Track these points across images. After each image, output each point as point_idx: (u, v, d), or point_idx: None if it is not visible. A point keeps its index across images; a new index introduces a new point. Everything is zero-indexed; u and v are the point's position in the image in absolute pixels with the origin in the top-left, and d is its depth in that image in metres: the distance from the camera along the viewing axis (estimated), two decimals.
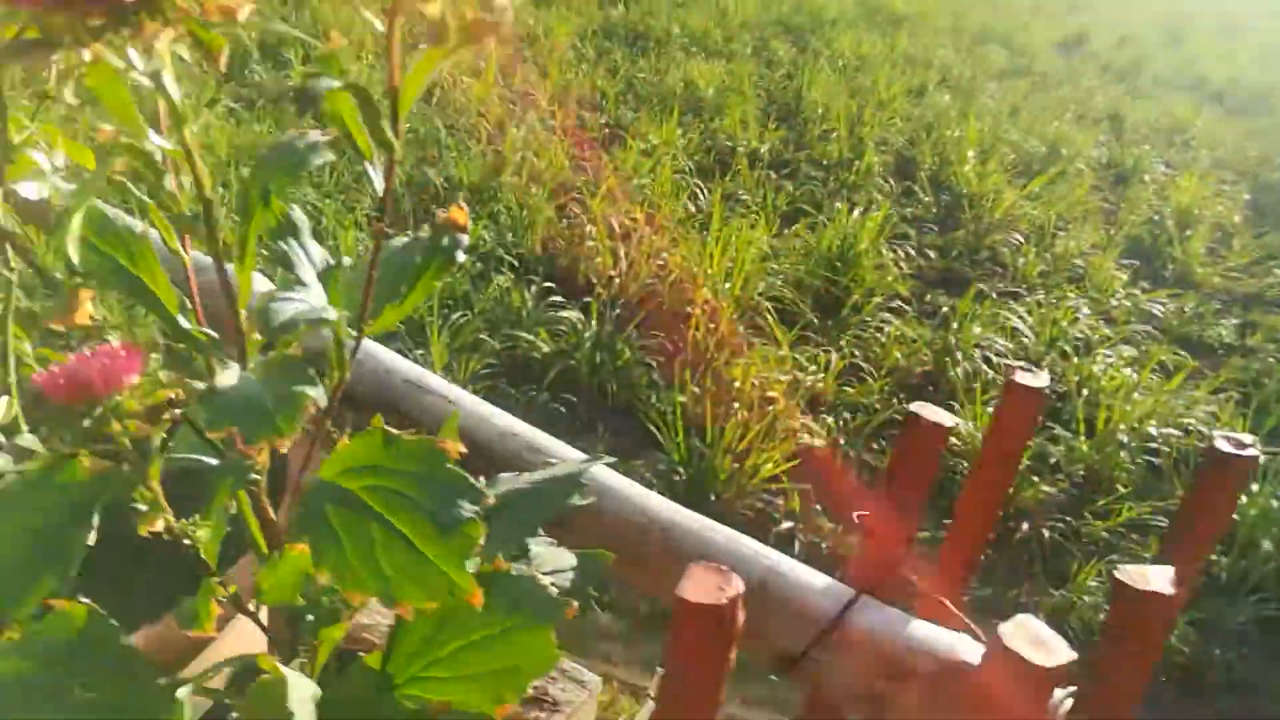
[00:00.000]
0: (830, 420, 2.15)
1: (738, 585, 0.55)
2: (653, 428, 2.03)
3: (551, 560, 0.55)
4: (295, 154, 0.44)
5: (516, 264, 2.58)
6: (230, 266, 0.45)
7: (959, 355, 2.43)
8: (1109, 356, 2.54)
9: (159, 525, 0.46)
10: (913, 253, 3.00)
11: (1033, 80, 5.22)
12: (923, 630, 0.73)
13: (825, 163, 3.62)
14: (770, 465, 1.91)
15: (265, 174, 0.44)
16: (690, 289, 2.49)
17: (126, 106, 0.40)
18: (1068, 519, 2.01)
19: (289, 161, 0.44)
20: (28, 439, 0.73)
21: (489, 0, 0.40)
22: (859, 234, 2.81)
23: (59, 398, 0.42)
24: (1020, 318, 2.65)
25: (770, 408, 2.06)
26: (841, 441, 2.09)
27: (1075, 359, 2.51)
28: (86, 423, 0.43)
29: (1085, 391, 2.37)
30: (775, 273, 2.67)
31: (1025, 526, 1.98)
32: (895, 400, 2.28)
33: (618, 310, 2.40)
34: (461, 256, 0.49)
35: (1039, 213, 3.35)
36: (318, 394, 0.40)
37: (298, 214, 0.47)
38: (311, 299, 0.45)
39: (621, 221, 2.81)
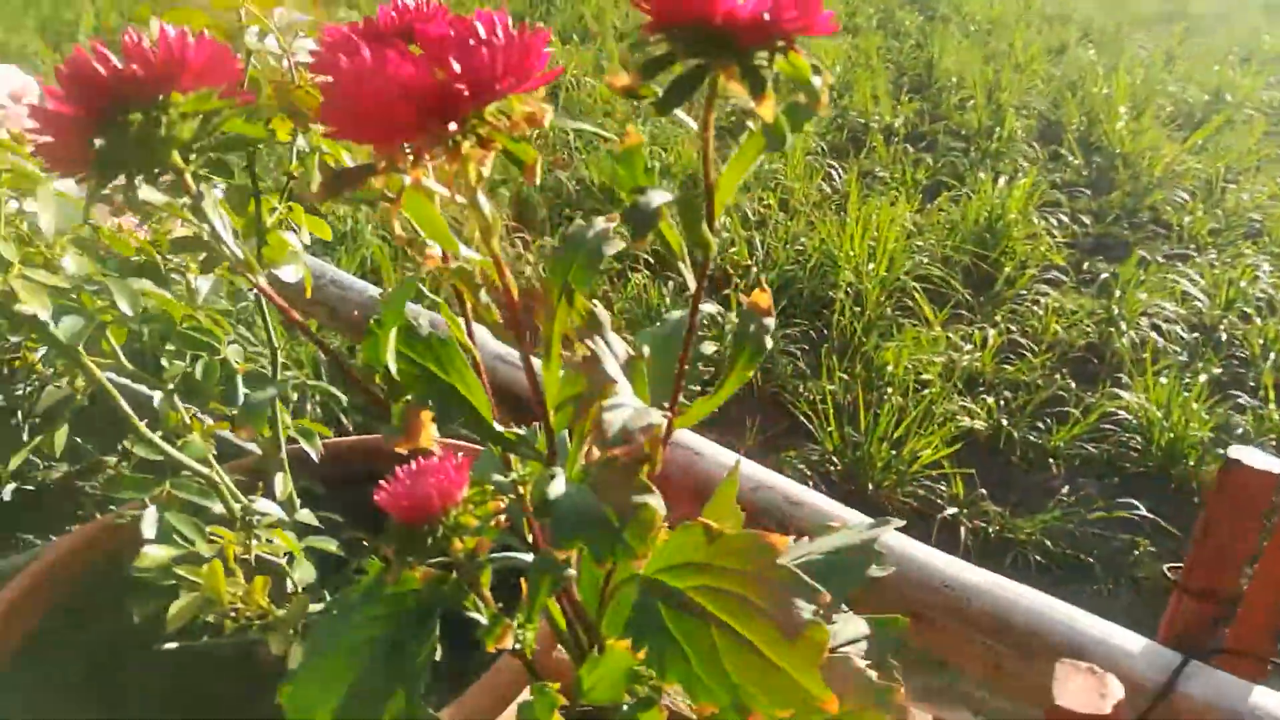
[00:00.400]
0: (990, 400, 2.04)
1: (1117, 690, 0.51)
2: (802, 418, 1.98)
3: (845, 630, 0.51)
4: (590, 246, 0.44)
5: (652, 261, 2.56)
6: (537, 364, 0.45)
7: (1124, 325, 2.28)
8: None
9: (509, 641, 0.47)
10: (1066, 220, 2.84)
11: (1187, 24, 4.88)
12: (1265, 698, 0.67)
13: (964, 132, 3.47)
14: (929, 451, 1.83)
15: (563, 269, 0.44)
16: (832, 273, 2.42)
17: (438, 224, 0.42)
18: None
19: (585, 255, 0.44)
20: (304, 514, 0.78)
21: (810, 87, 0.39)
22: (1006, 204, 2.68)
23: (403, 518, 0.43)
24: (1191, 280, 2.47)
25: (925, 390, 1.98)
26: (1004, 422, 1.99)
27: (1258, 320, 2.32)
28: (429, 541, 0.43)
29: (1274, 355, 2.18)
30: (921, 250, 2.56)
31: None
32: (1058, 375, 2.15)
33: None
34: (769, 343, 0.48)
35: (1204, 166, 3.12)
36: (658, 503, 0.39)
37: (599, 310, 0.46)
38: (629, 399, 0.43)
39: (755, 209, 2.76)
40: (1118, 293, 2.38)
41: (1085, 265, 2.65)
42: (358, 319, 1.17)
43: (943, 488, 1.84)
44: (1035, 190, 2.86)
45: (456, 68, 0.35)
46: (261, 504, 0.74)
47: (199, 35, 0.41)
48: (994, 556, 1.72)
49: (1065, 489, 1.86)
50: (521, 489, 0.46)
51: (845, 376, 2.07)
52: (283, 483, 0.78)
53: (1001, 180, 2.88)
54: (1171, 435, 1.92)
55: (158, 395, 0.71)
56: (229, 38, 0.67)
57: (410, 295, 0.44)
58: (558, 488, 0.41)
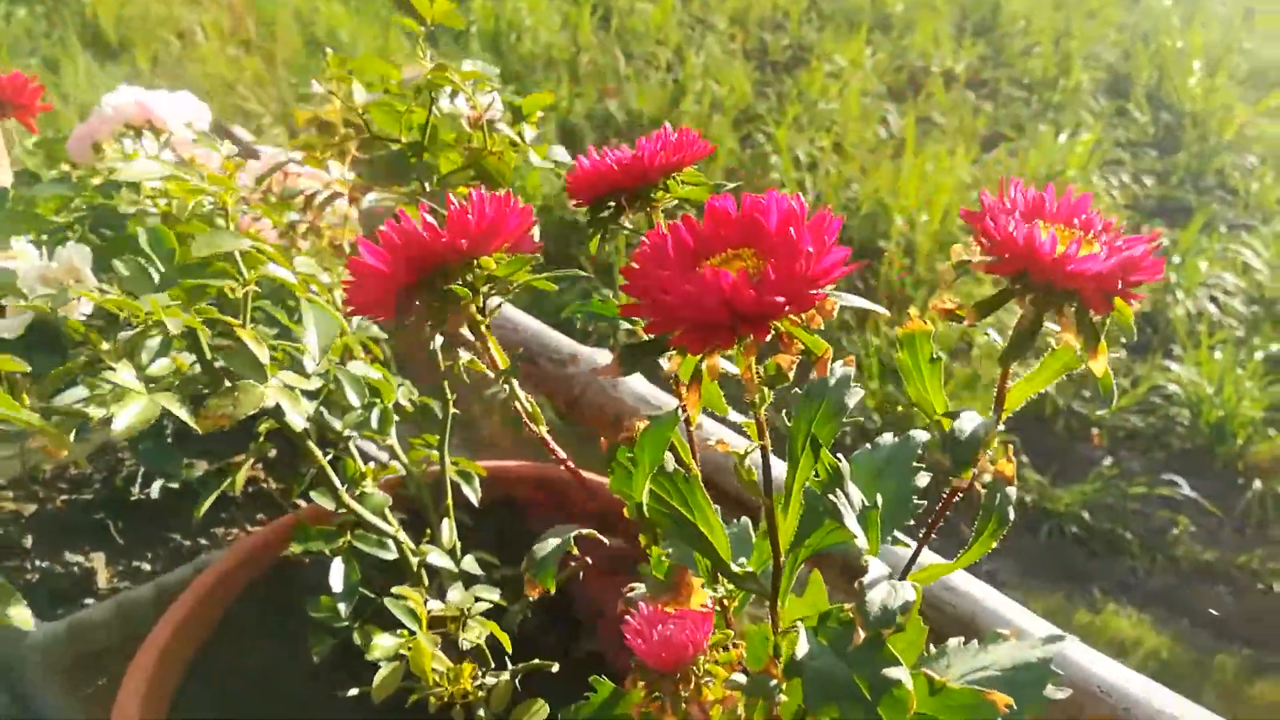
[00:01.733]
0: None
1: None
2: None
3: None
4: (833, 398, 0.46)
5: None
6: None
7: (1181, 294, 2.22)
8: None
9: None
10: (1128, 180, 2.75)
11: None
12: None
13: (1027, 81, 3.35)
14: (980, 407, 1.80)
15: (807, 418, 0.46)
16: (883, 222, 2.37)
17: (717, 397, 0.48)
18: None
19: (829, 406, 0.46)
20: (469, 562, 0.79)
21: (1129, 328, 0.43)
22: (1067, 159, 2.60)
23: (659, 666, 0.47)
24: (1255, 251, 2.39)
25: (973, 351, 1.94)
26: (1050, 390, 1.95)
27: None
28: (683, 689, 0.47)
29: None
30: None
31: (1258, 485, 1.80)
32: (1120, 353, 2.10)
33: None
34: (1012, 515, 0.49)
35: (1278, 131, 3.00)
36: (906, 677, 0.40)
37: (842, 462, 0.46)
38: (880, 571, 0.44)
39: (808, 150, 2.70)
40: (1177, 260, 2.31)
41: (1144, 228, 2.57)
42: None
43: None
44: (1098, 147, 2.77)
45: (772, 276, 0.37)
46: (434, 557, 0.76)
47: (506, 200, 0.47)
48: (1032, 527, 1.70)
49: (1107, 461, 1.83)
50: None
51: (891, 332, 2.03)
52: (449, 531, 0.80)
53: (1063, 134, 2.79)
54: (1221, 412, 1.88)
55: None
56: (413, 94, 0.69)
57: (672, 429, 0.46)
58: (804, 647, 0.42)
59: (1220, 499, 1.74)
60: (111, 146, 0.82)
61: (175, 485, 1.00)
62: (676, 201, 0.57)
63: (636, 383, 0.95)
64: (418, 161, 0.69)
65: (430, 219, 0.47)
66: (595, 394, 0.97)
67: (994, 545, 0.49)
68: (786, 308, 0.37)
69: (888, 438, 0.56)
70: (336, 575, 0.73)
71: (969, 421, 0.46)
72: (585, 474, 0.94)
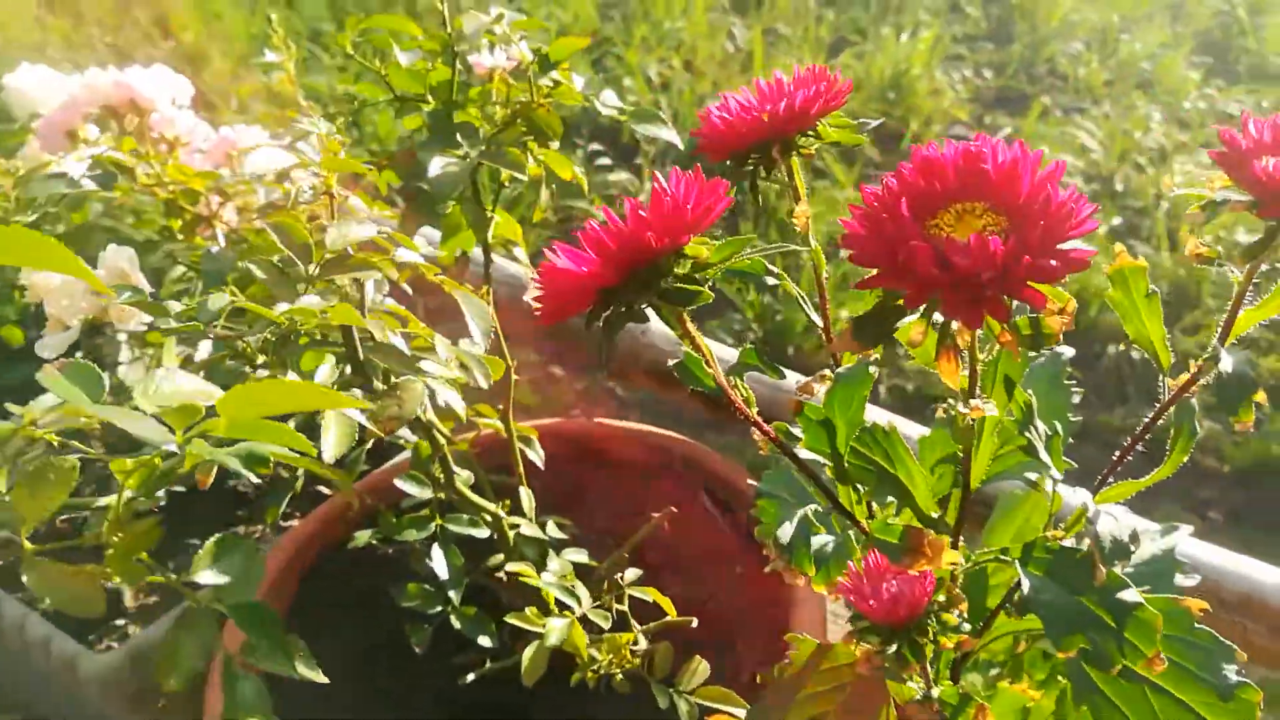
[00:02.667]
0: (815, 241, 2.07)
1: None
2: (721, 285, 1.98)
3: None
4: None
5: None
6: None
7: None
8: (1185, 163, 2.41)
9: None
10: (969, 74, 2.84)
11: None
12: None
13: None
14: (848, 310, 1.86)
15: (996, 358, 0.46)
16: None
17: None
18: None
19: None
20: (553, 529, 0.77)
21: None
22: (910, 59, 2.66)
23: (895, 622, 0.46)
24: (1088, 131, 2.52)
25: (842, 254, 1.99)
26: None
27: (1150, 170, 2.39)
28: (904, 645, 0.46)
29: (1165, 204, 2.26)
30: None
31: (1112, 350, 1.92)
32: None
33: (669, 166, 2.31)
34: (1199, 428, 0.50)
35: (1099, 16, 3.14)
36: (1141, 599, 0.40)
37: (1032, 399, 0.47)
38: (1102, 509, 0.44)
39: (659, 71, 2.68)
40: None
41: (988, 119, 2.67)
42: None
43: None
44: (938, 44, 2.84)
45: (1037, 239, 0.35)
46: (525, 528, 0.73)
47: (703, 178, 0.42)
48: (915, 412, 1.77)
49: None
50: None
51: (762, 242, 2.06)
52: (528, 498, 0.76)
53: (904, 35, 2.85)
54: (1077, 285, 1.99)
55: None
56: (440, 50, 0.63)
57: (868, 386, 0.45)
58: (1025, 583, 0.42)
59: (1081, 364, 1.85)
60: (83, 131, 0.73)
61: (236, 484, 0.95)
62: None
63: (662, 327, 0.97)
64: (457, 124, 0.65)
65: (641, 212, 0.41)
66: (625, 341, 0.97)
67: (1184, 459, 0.50)
68: (1058, 270, 0.36)
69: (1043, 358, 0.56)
70: (440, 563, 0.70)
71: (1230, 361, 0.46)
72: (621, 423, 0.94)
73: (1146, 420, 0.50)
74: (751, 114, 0.52)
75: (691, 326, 0.46)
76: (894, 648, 0.46)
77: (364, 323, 0.54)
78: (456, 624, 0.70)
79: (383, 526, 0.74)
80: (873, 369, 0.47)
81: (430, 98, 0.67)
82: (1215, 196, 0.44)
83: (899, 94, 2.58)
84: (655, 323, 0.44)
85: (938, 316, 0.39)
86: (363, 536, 0.75)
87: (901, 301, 0.39)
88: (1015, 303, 0.38)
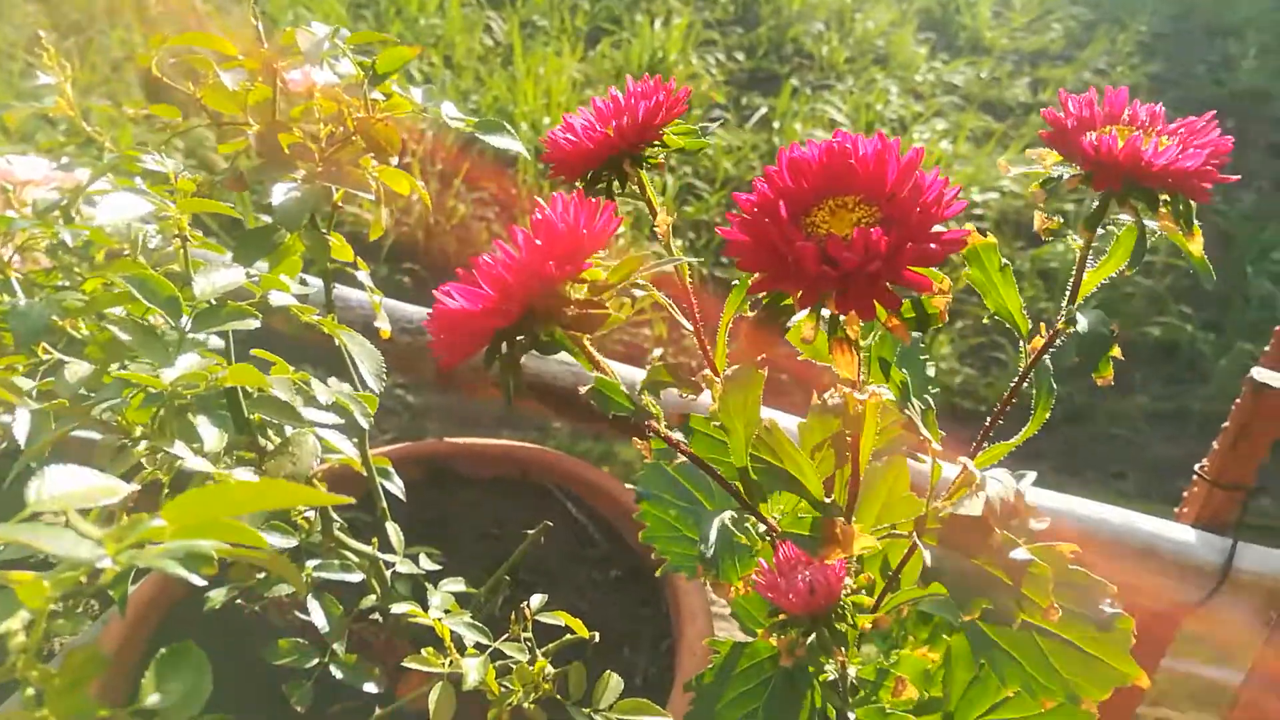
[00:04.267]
0: (679, 243, 2.13)
1: None
2: None
3: None
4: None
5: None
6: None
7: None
8: (924, 132, 2.61)
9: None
10: (722, 58, 2.95)
11: None
12: None
13: None
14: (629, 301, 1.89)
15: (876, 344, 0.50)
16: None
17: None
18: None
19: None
20: (426, 562, 0.72)
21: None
22: (666, 46, 2.73)
23: (813, 610, 0.47)
24: (836, 107, 2.68)
25: (620, 242, 2.03)
26: (696, 263, 2.09)
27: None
28: (826, 632, 0.48)
29: None
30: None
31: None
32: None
33: (439, 167, 2.27)
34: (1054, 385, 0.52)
35: None
36: (1030, 555, 0.42)
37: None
38: (985, 473, 0.47)
39: (419, 68, 2.63)
40: (776, 124, 2.53)
41: (744, 100, 2.78)
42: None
43: (646, 332, 1.92)
44: (691, 30, 2.93)
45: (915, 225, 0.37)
46: (399, 565, 0.70)
47: (590, 202, 0.41)
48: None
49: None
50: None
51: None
52: (396, 534, 0.72)
53: (658, 23, 2.93)
54: None
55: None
56: (263, 68, 0.55)
57: (759, 389, 0.45)
58: (927, 556, 0.43)
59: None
60: None
61: None
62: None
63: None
64: (291, 145, 0.59)
65: (536, 241, 0.39)
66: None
67: (1046, 415, 0.52)
68: (939, 253, 0.37)
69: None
70: (318, 614, 0.65)
71: (1084, 321, 0.48)
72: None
73: (1012, 385, 0.53)
74: (597, 132, 0.52)
75: (594, 351, 0.45)
76: (815, 636, 0.48)
77: (266, 381, 0.50)
78: (338, 674, 0.66)
79: (257, 585, 0.68)
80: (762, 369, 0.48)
81: (251, 120, 0.62)
82: (1052, 173, 0.47)
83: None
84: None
85: (825, 312, 0.40)
86: (217, 597, 0.68)
87: (790, 301, 0.40)
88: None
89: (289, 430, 0.54)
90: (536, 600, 0.63)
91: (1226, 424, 0.88)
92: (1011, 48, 3.24)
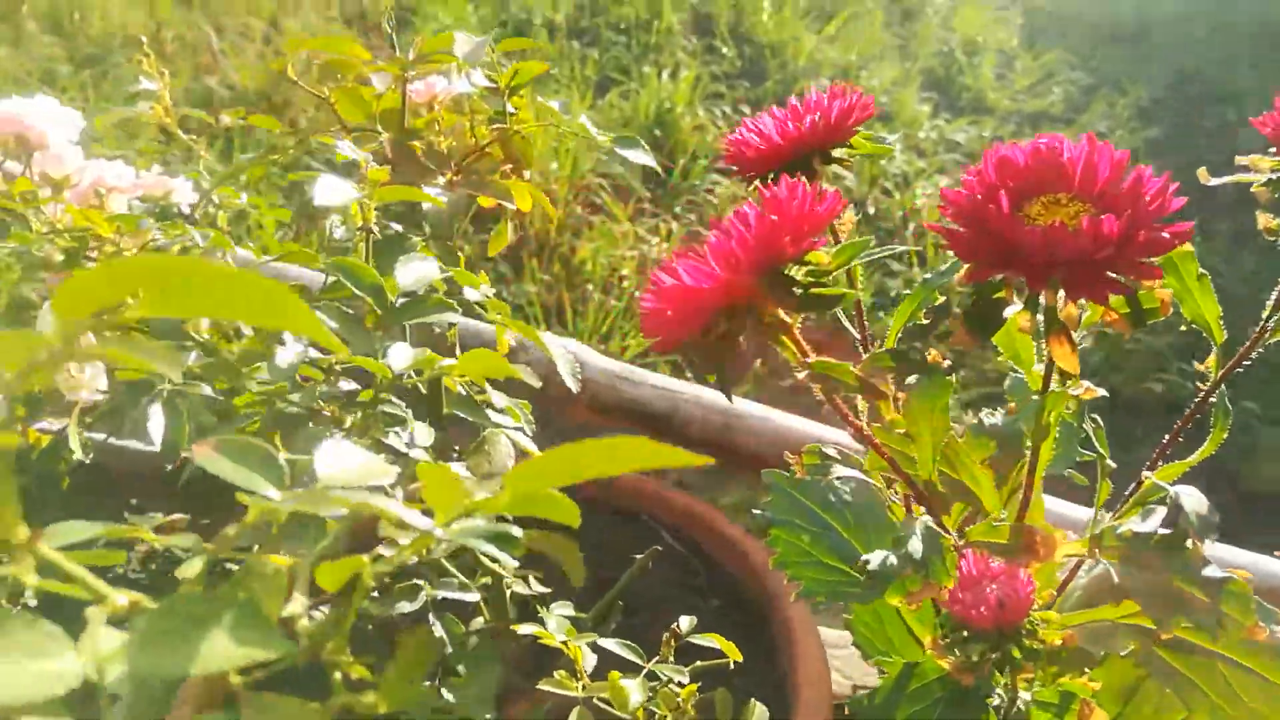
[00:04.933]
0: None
1: None
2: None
3: None
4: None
5: None
6: None
7: None
8: (927, 188, 2.64)
9: None
10: (728, 110, 2.99)
11: None
12: None
13: (624, 26, 3.52)
14: (635, 343, 1.90)
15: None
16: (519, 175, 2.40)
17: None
18: (916, 345, 2.11)
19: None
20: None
21: None
22: (674, 97, 2.77)
23: (986, 624, 0.45)
24: (839, 160, 2.71)
25: (625, 284, 2.04)
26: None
27: (897, 195, 2.59)
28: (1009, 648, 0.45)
29: (912, 225, 2.46)
30: (600, 147, 2.60)
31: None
32: None
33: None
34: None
35: (839, 55, 3.40)
36: (1224, 574, 0.43)
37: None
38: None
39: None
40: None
41: None
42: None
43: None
44: (698, 83, 2.98)
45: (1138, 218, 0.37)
46: (516, 586, 0.68)
47: (810, 188, 0.41)
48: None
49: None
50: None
51: (547, 277, 2.08)
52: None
53: (665, 74, 2.97)
54: None
55: None
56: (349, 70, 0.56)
57: (947, 396, 0.44)
58: (1115, 572, 0.43)
59: None
60: None
61: None
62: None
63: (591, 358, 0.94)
64: (434, 153, 0.59)
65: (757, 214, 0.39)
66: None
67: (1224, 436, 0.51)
68: (1169, 242, 0.38)
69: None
70: (439, 630, 0.61)
71: None
72: None
73: (1200, 396, 0.53)
74: (794, 130, 0.53)
75: (801, 339, 0.45)
76: (1000, 653, 0.45)
77: (498, 370, 0.49)
78: (449, 696, 0.64)
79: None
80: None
81: (380, 127, 0.62)
82: (1273, 175, 0.48)
83: (665, 130, 2.68)
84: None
85: (1041, 302, 0.41)
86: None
87: (1002, 293, 0.41)
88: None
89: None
90: (686, 622, 0.61)
91: None
92: (1013, 109, 3.29)
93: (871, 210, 2.52)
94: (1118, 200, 0.40)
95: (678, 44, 3.40)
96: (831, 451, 0.57)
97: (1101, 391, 0.47)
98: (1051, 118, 3.27)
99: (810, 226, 0.41)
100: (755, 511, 0.58)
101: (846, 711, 0.52)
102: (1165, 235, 0.38)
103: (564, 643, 0.57)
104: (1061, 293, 0.40)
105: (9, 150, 0.64)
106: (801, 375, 0.45)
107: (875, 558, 0.47)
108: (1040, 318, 0.41)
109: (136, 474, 0.77)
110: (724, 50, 3.41)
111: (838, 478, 0.56)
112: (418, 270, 0.53)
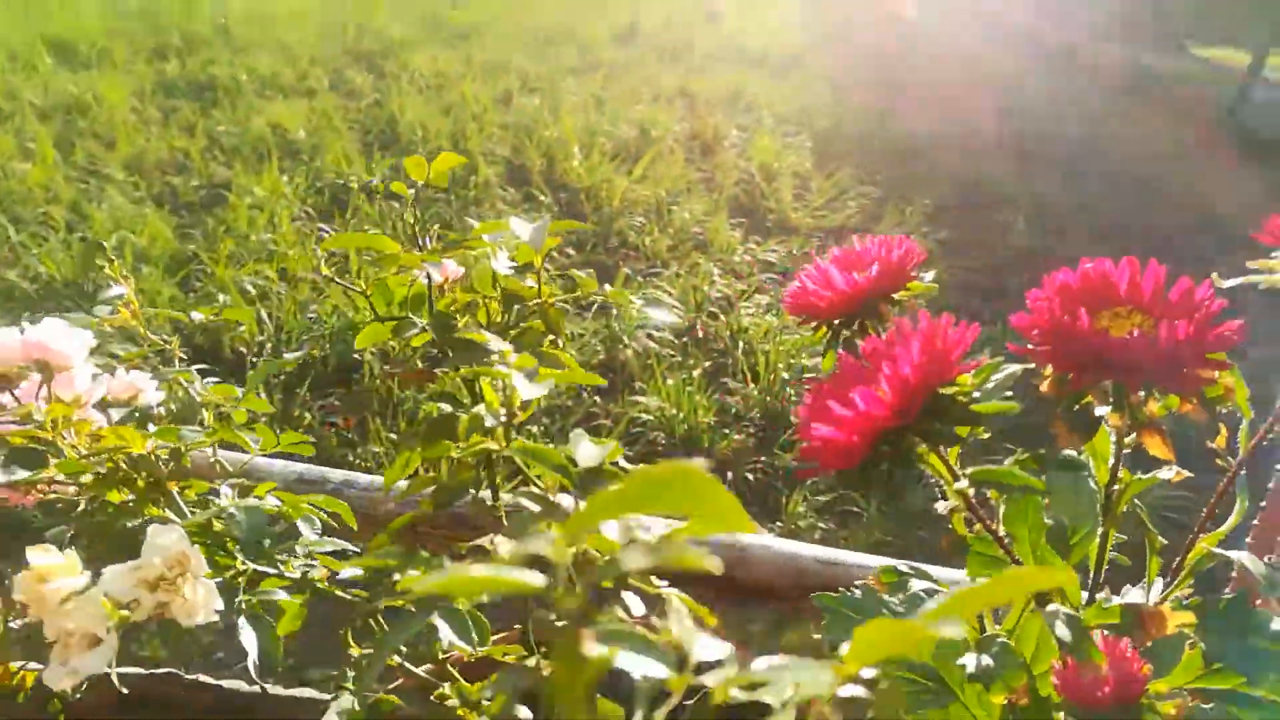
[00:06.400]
0: (533, 428, 2.17)
1: None
2: None
3: None
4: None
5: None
6: None
7: (626, 339, 2.55)
8: (749, 308, 2.79)
9: None
10: (555, 254, 3.09)
11: (605, 72, 5.54)
12: None
13: (443, 184, 3.61)
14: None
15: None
16: (354, 339, 2.39)
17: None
18: (762, 459, 2.19)
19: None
20: None
21: None
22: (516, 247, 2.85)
23: (1107, 706, 0.46)
24: (666, 290, 2.83)
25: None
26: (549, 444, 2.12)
27: (723, 317, 2.73)
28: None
29: (741, 344, 2.58)
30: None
31: (730, 475, 2.13)
32: (584, 394, 2.34)
33: (282, 377, 2.25)
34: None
35: (650, 192, 3.58)
36: None
37: None
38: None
39: (255, 284, 2.63)
40: (615, 311, 2.65)
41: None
42: None
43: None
44: None
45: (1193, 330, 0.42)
46: None
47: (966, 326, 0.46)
48: None
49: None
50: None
51: (394, 436, 2.06)
52: None
53: None
54: (686, 425, 2.20)
55: None
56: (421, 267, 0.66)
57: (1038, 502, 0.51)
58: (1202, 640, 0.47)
59: None
60: None
61: None
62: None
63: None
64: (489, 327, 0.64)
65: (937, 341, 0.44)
66: None
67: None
68: (1231, 339, 0.43)
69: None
70: None
71: None
72: None
73: (1230, 473, 0.57)
74: (858, 281, 0.56)
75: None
76: None
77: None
78: None
79: None
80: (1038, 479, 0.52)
81: (409, 312, 0.67)
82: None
83: (496, 279, 2.74)
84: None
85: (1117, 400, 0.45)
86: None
87: (1090, 399, 0.45)
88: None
89: None
90: None
91: None
92: (815, 225, 3.54)
93: (700, 334, 2.64)
94: (1169, 308, 0.45)
95: (496, 195, 3.51)
96: (905, 568, 0.61)
97: (1187, 473, 0.52)
98: (850, 228, 3.53)
99: (963, 350, 0.45)
100: (816, 636, 0.61)
101: None
102: (1227, 333, 0.43)
103: None
104: (1142, 392, 0.45)
105: (32, 374, 0.66)
106: (957, 486, 0.49)
107: (969, 660, 0.50)
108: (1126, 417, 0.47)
109: None
110: (541, 197, 3.54)
111: (916, 592, 0.60)
112: (586, 451, 0.59)
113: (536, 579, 0.27)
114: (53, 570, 0.54)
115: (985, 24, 7.99)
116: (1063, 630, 0.49)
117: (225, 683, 1.13)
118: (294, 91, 4.70)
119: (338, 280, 0.72)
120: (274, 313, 2.51)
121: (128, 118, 4.04)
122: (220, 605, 0.56)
